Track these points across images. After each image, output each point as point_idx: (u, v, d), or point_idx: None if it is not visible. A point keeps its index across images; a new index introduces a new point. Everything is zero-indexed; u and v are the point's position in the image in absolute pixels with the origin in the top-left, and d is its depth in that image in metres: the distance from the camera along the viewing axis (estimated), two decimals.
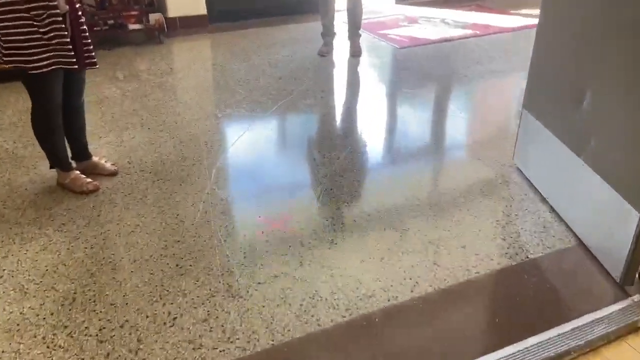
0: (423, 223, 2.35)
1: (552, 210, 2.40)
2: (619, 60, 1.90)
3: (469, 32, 5.07)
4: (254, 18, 5.48)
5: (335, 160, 2.88)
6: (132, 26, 4.76)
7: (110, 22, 4.71)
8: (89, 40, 2.39)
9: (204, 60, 4.63)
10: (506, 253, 2.15)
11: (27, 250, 2.20)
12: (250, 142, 3.14)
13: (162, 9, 5.09)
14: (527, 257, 2.13)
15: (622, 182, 1.91)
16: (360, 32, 4.56)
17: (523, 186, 2.60)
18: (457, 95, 4.01)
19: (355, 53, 4.53)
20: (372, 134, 3.28)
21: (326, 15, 4.47)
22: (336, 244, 2.22)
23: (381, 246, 2.20)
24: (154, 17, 4.82)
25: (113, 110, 3.50)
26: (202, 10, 5.28)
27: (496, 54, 4.56)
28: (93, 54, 2.42)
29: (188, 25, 5.23)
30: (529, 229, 2.29)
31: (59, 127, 2.48)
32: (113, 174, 2.74)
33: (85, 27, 2.36)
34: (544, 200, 2.48)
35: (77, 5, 2.28)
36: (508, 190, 2.59)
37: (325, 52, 4.55)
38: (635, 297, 1.91)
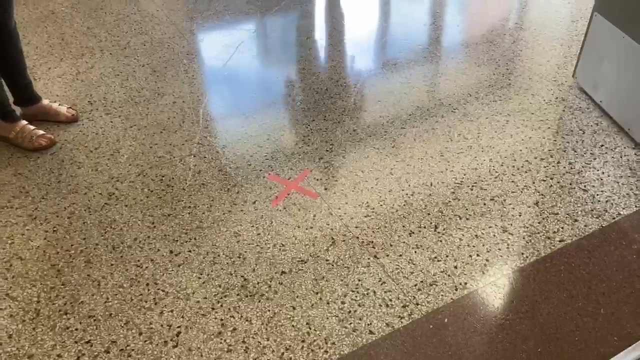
0: (478, 174, 1.85)
1: (637, 145, 1.92)
2: None
3: None
4: None
5: (351, 89, 2.31)
6: None
7: None
8: None
9: None
10: (592, 210, 1.69)
11: None
12: (240, 66, 2.51)
13: None
14: (619, 214, 1.68)
15: None
16: None
17: (592, 113, 2.10)
18: None
19: None
20: (388, 48, 2.67)
21: None
22: (373, 209, 1.73)
23: (432, 211, 1.71)
24: None
25: (62, 29, 2.77)
26: None
27: None
28: None
29: None
30: (612, 174, 1.82)
31: None
32: (72, 120, 2.13)
33: None
34: (623, 132, 1.99)
35: None
36: (574, 119, 2.08)
37: None
38: None
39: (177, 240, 1.63)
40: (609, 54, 2.01)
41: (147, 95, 2.28)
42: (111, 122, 2.13)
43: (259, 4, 3.00)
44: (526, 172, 1.84)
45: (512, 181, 1.81)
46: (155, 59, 2.52)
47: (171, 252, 1.60)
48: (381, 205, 1.73)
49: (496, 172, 1.85)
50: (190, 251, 1.60)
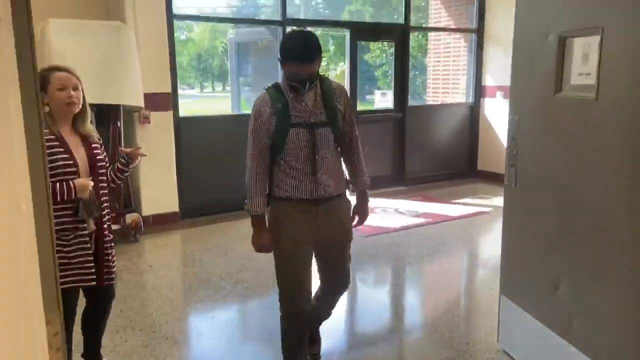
0: None
1: None
2: (586, 253, 2.30)
3: (422, 220, 5.64)
4: (223, 212, 5.82)
5: (330, 354, 2.98)
6: None
7: None
8: (112, 257, 2.51)
9: (182, 256, 4.79)
10: None
11: None
12: (246, 342, 3.20)
13: (137, 208, 5.36)
14: None
15: None
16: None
17: None
18: (427, 280, 4.34)
19: None
20: (355, 324, 3.44)
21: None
22: None
23: None
24: (130, 217, 5.05)
25: None
26: (175, 207, 5.60)
27: (450, 239, 5.06)
28: (113, 270, 2.53)
29: (161, 221, 5.47)
30: None
31: (69, 342, 2.48)
32: None
33: (110, 244, 2.50)
34: None
35: (105, 225, 2.47)
36: None
37: None
38: None
39: None
40: (518, 326, 2.82)
41: None
42: None
43: (256, 291, 3.85)
44: None
45: None
46: (176, 332, 3.20)
47: None
48: None
49: None
50: None
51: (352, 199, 2.59)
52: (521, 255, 2.77)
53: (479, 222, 5.59)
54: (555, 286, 2.47)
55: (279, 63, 2.30)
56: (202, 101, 19.05)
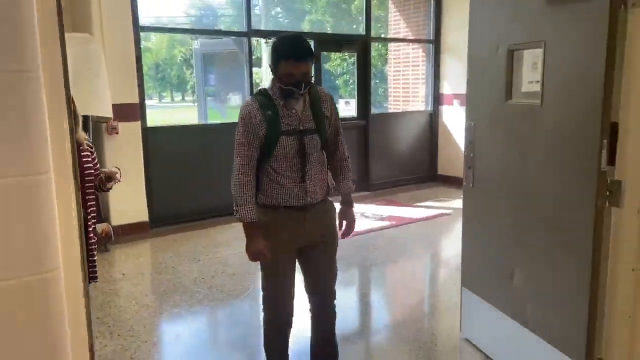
0: None
1: None
2: (536, 243, 2.55)
3: (387, 223, 5.88)
4: (193, 221, 5.90)
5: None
6: None
7: None
8: (95, 256, 2.63)
9: (154, 264, 4.85)
10: None
11: None
12: (224, 344, 3.32)
13: (106, 218, 5.37)
14: None
15: (561, 341, 2.40)
16: None
17: (477, 356, 3.01)
18: (393, 279, 4.55)
19: None
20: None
21: None
22: None
23: None
24: (100, 227, 5.06)
25: None
26: (144, 217, 5.64)
27: (414, 240, 5.31)
28: (96, 268, 2.64)
29: (130, 231, 5.50)
30: None
31: None
32: None
33: (94, 246, 2.61)
34: None
35: (90, 229, 2.56)
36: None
37: None
38: None
39: None
40: (478, 315, 3.05)
41: None
42: None
43: (230, 293, 3.97)
44: None
45: None
46: (155, 336, 3.29)
47: None
48: None
49: None
50: None
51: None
52: (479, 248, 3.01)
53: (440, 223, 5.87)
54: (510, 275, 2.70)
55: (264, 69, 2.36)
56: (161, 111, 18.87)
